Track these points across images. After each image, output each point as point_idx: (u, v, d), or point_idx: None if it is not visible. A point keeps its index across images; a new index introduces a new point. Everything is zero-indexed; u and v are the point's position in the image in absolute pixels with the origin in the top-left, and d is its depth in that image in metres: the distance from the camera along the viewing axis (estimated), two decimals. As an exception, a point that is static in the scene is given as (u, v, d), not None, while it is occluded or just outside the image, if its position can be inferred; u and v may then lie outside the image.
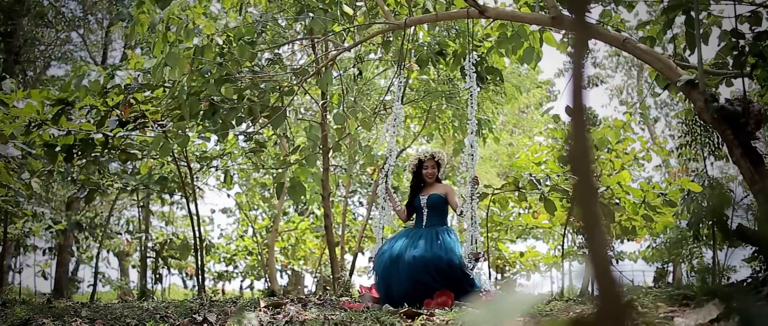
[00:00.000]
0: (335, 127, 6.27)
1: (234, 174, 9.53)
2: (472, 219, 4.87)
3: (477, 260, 4.70)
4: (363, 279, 18.33)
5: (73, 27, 16.55)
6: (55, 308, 4.99)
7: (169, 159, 7.88)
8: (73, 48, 17.37)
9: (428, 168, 5.29)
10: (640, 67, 21.72)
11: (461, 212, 4.94)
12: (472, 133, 5.13)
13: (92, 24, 17.14)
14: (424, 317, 3.08)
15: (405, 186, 18.88)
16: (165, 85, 6.00)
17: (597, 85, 23.55)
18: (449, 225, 5.23)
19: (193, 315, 4.26)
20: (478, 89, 5.44)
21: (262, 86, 5.70)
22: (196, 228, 7.84)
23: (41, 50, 16.26)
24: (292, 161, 6.52)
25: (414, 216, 5.33)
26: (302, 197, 6.74)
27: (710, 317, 2.28)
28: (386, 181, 5.38)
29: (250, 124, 6.13)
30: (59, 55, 16.96)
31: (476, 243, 4.77)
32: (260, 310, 4.02)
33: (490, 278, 4.80)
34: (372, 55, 9.07)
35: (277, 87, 5.78)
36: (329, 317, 3.30)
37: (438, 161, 5.33)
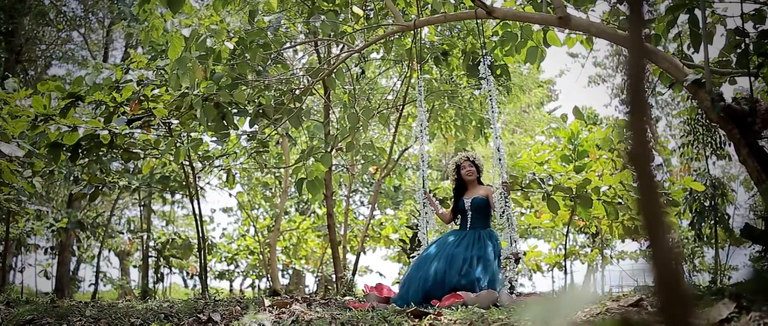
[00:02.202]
0: (348, 126, 6.30)
1: (236, 173, 9.52)
2: (508, 220, 4.94)
3: (517, 261, 4.79)
4: (367, 279, 18.35)
5: (74, 26, 16.54)
6: (59, 307, 4.98)
7: (171, 158, 7.89)
8: (74, 47, 17.39)
9: (466, 167, 5.40)
10: (641, 66, 21.68)
11: (501, 213, 5.04)
12: (497, 138, 5.21)
13: (93, 23, 17.14)
14: (432, 317, 3.07)
15: (407, 185, 18.90)
16: (171, 85, 6.02)
17: (597, 84, 23.55)
18: (492, 227, 5.31)
19: (198, 315, 4.26)
20: (487, 90, 5.46)
21: (274, 88, 5.73)
22: (199, 228, 7.83)
23: (42, 49, 16.26)
24: (309, 158, 6.57)
25: (458, 218, 5.45)
26: (322, 192, 6.81)
27: (720, 317, 2.28)
28: (424, 186, 5.54)
29: (263, 126, 6.17)
30: (60, 54, 16.97)
31: (515, 244, 4.85)
32: (265, 310, 4.02)
33: (508, 282, 4.85)
34: (374, 54, 9.07)
35: (290, 88, 5.81)
36: (336, 317, 3.30)
37: (473, 161, 5.42)
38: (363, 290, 5.55)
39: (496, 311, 3.25)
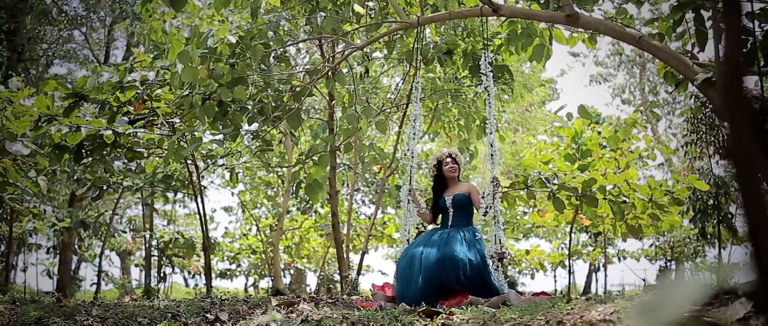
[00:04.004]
0: (347, 127, 6.26)
1: (239, 172, 9.50)
2: (495, 218, 4.87)
3: (501, 259, 4.70)
4: (369, 278, 18.35)
5: (76, 25, 16.52)
6: (66, 307, 4.97)
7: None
8: (76, 46, 17.38)
9: (448, 163, 5.28)
10: (642, 66, 21.67)
11: (486, 212, 4.94)
12: (491, 133, 5.12)
13: (95, 22, 17.11)
14: (444, 316, 3.07)
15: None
16: (173, 84, 6.01)
17: (599, 83, 23.54)
18: (474, 225, 5.18)
19: (205, 314, 4.25)
20: (485, 85, 5.39)
21: (276, 86, 5.71)
22: (204, 227, 7.81)
23: (44, 48, 16.25)
24: (307, 161, 6.54)
25: (439, 217, 5.30)
26: (320, 196, 6.76)
27: (737, 316, 2.27)
28: (410, 183, 5.38)
29: (262, 124, 6.14)
30: (62, 53, 16.96)
31: (500, 242, 4.76)
32: (273, 309, 4.00)
33: (506, 279, 4.78)
34: (377, 53, 9.06)
35: (290, 87, 5.79)
36: (347, 316, 3.29)
37: (455, 158, 5.32)
38: (370, 289, 5.51)
39: (508, 310, 3.24)
